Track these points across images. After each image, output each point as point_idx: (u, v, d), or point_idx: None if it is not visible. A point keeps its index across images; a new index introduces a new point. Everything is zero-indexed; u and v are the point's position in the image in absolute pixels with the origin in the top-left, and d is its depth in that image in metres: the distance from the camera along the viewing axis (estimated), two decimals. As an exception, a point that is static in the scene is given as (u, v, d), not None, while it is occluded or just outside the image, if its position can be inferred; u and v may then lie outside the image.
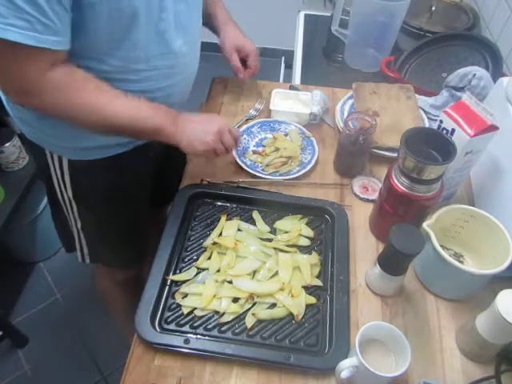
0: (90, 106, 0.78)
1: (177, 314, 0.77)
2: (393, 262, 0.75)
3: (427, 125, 1.07)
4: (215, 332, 0.75)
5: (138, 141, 0.97)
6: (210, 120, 0.90)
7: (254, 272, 0.82)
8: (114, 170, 0.97)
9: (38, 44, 0.68)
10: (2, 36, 0.65)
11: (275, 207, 0.92)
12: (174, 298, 0.78)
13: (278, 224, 0.90)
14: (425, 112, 1.11)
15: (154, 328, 0.74)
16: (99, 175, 0.97)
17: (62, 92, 0.76)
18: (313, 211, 0.92)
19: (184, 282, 0.81)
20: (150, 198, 1.16)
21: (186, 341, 0.72)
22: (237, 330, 0.76)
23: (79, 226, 1.05)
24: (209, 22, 1.10)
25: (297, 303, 0.78)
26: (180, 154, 1.05)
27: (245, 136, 1.07)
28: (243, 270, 0.82)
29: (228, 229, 0.88)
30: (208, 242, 0.86)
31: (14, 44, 0.66)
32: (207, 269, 0.82)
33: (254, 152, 1.04)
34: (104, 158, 0.94)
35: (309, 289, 0.81)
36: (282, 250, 0.85)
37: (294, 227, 0.89)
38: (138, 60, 0.83)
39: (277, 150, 1.04)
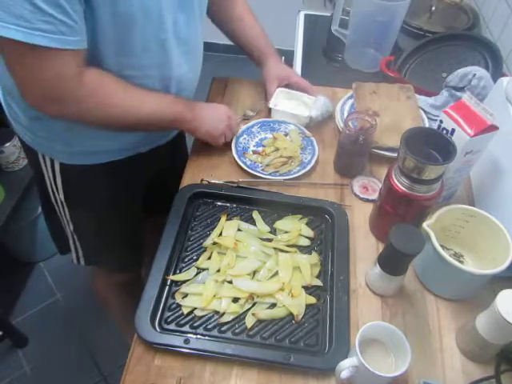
0: (120, 108, 0.81)
1: (177, 314, 0.77)
2: (393, 261, 0.75)
3: (427, 125, 1.07)
4: (215, 332, 0.75)
5: (135, 148, 0.97)
6: (218, 108, 1.00)
7: (254, 272, 0.82)
8: (106, 177, 0.97)
9: (63, 46, 0.68)
10: (30, 41, 0.64)
11: (275, 207, 0.92)
12: (174, 298, 0.78)
13: (278, 224, 0.90)
14: (425, 112, 1.11)
15: (154, 328, 0.73)
16: (91, 180, 0.96)
17: (96, 97, 0.77)
18: (313, 211, 0.92)
19: (184, 282, 0.81)
20: (148, 205, 1.16)
21: (186, 341, 0.72)
22: (237, 330, 0.76)
23: (72, 228, 1.04)
24: (249, 52, 1.12)
25: (297, 303, 0.78)
26: (181, 161, 1.06)
27: (245, 136, 1.07)
28: (243, 270, 0.82)
29: (228, 229, 0.88)
30: (208, 241, 0.86)
31: (40, 49, 0.66)
32: (207, 269, 0.82)
33: (254, 152, 1.04)
34: (96, 164, 0.94)
35: (309, 289, 0.81)
36: (282, 250, 0.85)
37: (294, 227, 0.89)
38: (133, 67, 0.82)
39: (277, 149, 1.04)
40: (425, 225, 0.77)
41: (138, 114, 0.84)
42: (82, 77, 0.73)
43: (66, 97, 0.74)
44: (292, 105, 1.11)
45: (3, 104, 0.92)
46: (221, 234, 0.87)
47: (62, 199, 0.98)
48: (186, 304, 0.77)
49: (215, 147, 1.02)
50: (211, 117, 0.97)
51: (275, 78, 1.11)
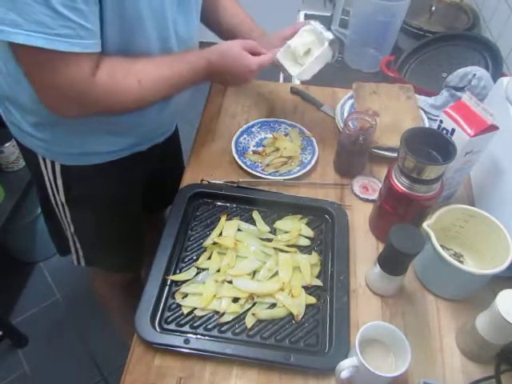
0: (140, 99, 0.81)
1: (177, 314, 0.77)
2: (393, 261, 0.75)
3: (427, 125, 1.07)
4: (215, 332, 0.75)
5: (135, 147, 0.97)
6: (240, 66, 0.91)
7: (254, 272, 0.82)
8: (107, 177, 0.96)
9: (83, 50, 0.68)
10: (52, 47, 0.64)
11: (275, 207, 0.92)
12: (174, 298, 0.78)
13: (278, 224, 0.90)
14: (425, 112, 1.11)
15: (154, 328, 0.73)
16: (92, 181, 0.96)
17: (112, 96, 0.77)
18: (313, 211, 0.92)
19: (184, 281, 0.81)
20: (147, 203, 1.16)
21: (186, 341, 0.72)
22: (237, 330, 0.76)
23: (72, 230, 1.04)
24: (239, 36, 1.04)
25: (297, 303, 0.78)
26: (177, 157, 1.04)
27: (245, 136, 1.07)
28: (243, 270, 0.82)
29: (228, 229, 0.88)
30: (208, 242, 0.86)
31: (58, 54, 0.66)
32: (207, 269, 0.82)
33: (254, 152, 1.04)
34: (97, 164, 0.93)
35: (309, 289, 0.81)
36: (282, 250, 0.85)
37: (294, 227, 0.89)
38: None
39: (277, 149, 1.04)
40: (425, 225, 0.77)
41: (165, 95, 0.85)
42: (94, 78, 0.73)
43: (82, 99, 0.74)
44: (303, 53, 0.98)
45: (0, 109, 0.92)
46: (221, 234, 0.87)
47: (63, 201, 0.98)
48: (186, 304, 0.77)
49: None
50: (236, 76, 0.92)
51: (274, 49, 0.99)
